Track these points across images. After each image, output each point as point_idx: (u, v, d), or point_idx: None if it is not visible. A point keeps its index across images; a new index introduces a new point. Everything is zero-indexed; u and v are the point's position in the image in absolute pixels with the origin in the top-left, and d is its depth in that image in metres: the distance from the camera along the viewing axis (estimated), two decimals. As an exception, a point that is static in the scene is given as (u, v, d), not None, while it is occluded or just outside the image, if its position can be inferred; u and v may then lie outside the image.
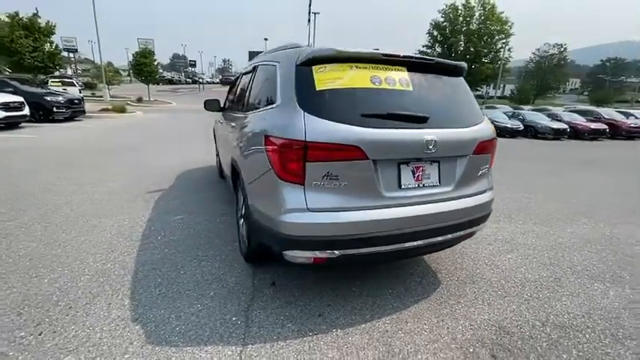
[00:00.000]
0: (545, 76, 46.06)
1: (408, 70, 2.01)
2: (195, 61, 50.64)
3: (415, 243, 1.96)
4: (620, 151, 11.88)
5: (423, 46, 36.56)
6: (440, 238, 2.05)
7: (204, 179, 5.01)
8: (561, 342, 1.90)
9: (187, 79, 64.40)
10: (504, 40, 33.42)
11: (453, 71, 2.25)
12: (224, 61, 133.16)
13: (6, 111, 8.74)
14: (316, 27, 30.09)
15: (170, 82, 57.45)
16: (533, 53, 49.66)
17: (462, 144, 2.06)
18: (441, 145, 1.91)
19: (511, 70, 42.49)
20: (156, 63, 24.47)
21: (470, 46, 33.49)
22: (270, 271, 2.48)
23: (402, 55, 2.01)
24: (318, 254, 1.84)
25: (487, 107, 19.76)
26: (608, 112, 17.35)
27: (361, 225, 1.80)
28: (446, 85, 2.18)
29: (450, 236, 2.09)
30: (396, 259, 2.48)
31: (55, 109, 10.65)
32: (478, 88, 35.47)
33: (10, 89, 9.96)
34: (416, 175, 1.94)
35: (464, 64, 2.29)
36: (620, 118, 16.65)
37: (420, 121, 1.90)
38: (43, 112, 10.52)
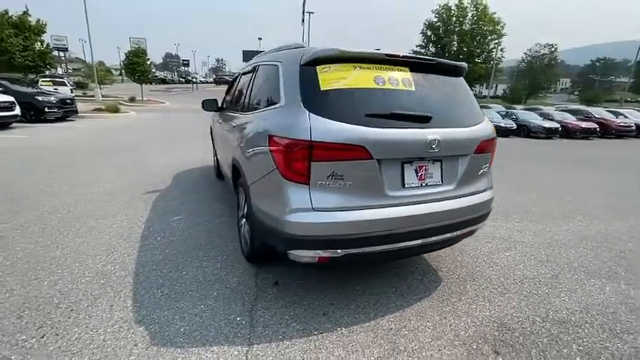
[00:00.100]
0: (537, 75, 46.67)
1: (411, 71, 2.03)
2: (188, 61, 50.20)
3: (418, 241, 1.99)
4: (610, 150, 12.10)
5: (417, 46, 36.87)
6: (442, 237, 2.07)
7: (201, 179, 4.98)
8: (561, 337, 1.94)
9: (180, 79, 63.88)
10: (497, 41, 33.87)
11: (454, 71, 2.28)
12: (217, 60, 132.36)
13: (-4, 111, 8.59)
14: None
15: (163, 81, 56.97)
16: (525, 53, 50.31)
17: (463, 143, 2.08)
18: (444, 144, 1.93)
19: (504, 70, 43.01)
20: (149, 62, 24.22)
21: (463, 46, 33.85)
22: (273, 270, 2.49)
23: (404, 55, 2.03)
24: (323, 253, 1.84)
25: (481, 107, 19.92)
26: (599, 112, 17.66)
27: (366, 224, 1.82)
28: (447, 85, 2.21)
29: (451, 234, 2.12)
30: (399, 257, 2.50)
31: (46, 109, 10.48)
32: (471, 88, 35.73)
33: (1, 89, 9.78)
34: (419, 175, 1.96)
35: (464, 65, 2.32)
36: (610, 117, 16.95)
37: (423, 120, 1.93)
38: (34, 112, 10.35)
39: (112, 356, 1.65)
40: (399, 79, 1.98)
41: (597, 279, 2.63)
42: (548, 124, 14.83)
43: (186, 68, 62.46)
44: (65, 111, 11.26)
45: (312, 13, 30.84)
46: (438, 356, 1.76)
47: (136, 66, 22.13)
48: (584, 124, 15.57)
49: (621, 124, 16.44)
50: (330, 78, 1.85)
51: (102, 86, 24.59)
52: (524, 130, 14.86)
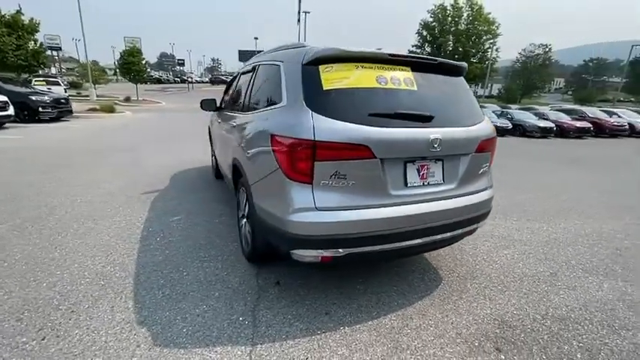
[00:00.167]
0: (531, 75, 47.03)
1: (412, 70, 2.04)
2: (183, 60, 49.75)
3: (420, 240, 2.00)
4: (603, 149, 12.23)
5: (413, 46, 36.94)
6: (444, 235, 2.08)
7: (199, 179, 4.95)
8: (562, 334, 1.96)
9: (176, 79, 63.46)
10: (492, 41, 34.05)
11: (455, 71, 2.29)
12: (213, 60, 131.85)
13: (-11, 111, 8.48)
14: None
15: (158, 81, 56.56)
16: (520, 53, 50.66)
17: (464, 143, 2.10)
18: (446, 143, 1.95)
19: (499, 70, 43.24)
20: (144, 62, 24.04)
21: (458, 46, 33.98)
22: (274, 270, 2.48)
23: (406, 54, 2.04)
24: (326, 253, 1.84)
25: (477, 106, 20.02)
26: (593, 111, 17.84)
27: (369, 223, 1.82)
28: (448, 85, 2.22)
29: (453, 233, 2.13)
30: (400, 256, 2.51)
31: (41, 109, 10.36)
32: (467, 88, 35.95)
33: (-7, 88, 9.66)
34: (421, 174, 1.97)
35: (465, 65, 2.33)
36: (603, 116, 17.14)
37: (425, 120, 1.93)
38: (28, 112, 10.22)
39: (114, 358, 1.64)
40: (401, 78, 1.98)
41: (595, 276, 2.67)
42: (543, 123, 14.97)
43: (181, 68, 62.03)
44: (60, 111, 11.14)
45: (308, 12, 30.85)
46: (441, 354, 1.77)
47: (131, 65, 21.98)
48: (578, 124, 15.72)
49: (615, 123, 16.62)
50: (333, 77, 1.85)
51: (96, 86, 24.35)
52: (519, 130, 14.97)
